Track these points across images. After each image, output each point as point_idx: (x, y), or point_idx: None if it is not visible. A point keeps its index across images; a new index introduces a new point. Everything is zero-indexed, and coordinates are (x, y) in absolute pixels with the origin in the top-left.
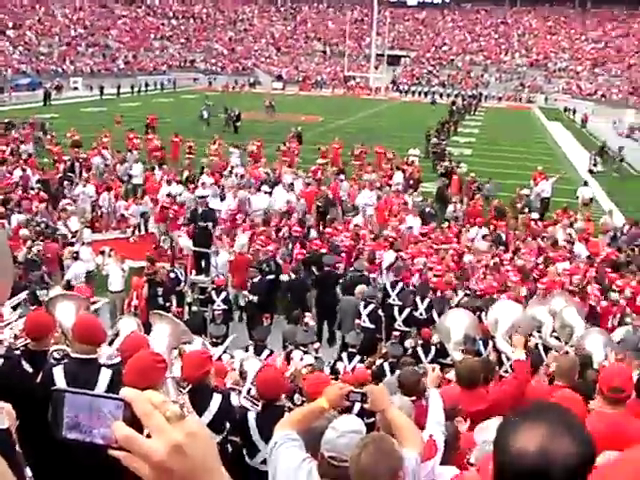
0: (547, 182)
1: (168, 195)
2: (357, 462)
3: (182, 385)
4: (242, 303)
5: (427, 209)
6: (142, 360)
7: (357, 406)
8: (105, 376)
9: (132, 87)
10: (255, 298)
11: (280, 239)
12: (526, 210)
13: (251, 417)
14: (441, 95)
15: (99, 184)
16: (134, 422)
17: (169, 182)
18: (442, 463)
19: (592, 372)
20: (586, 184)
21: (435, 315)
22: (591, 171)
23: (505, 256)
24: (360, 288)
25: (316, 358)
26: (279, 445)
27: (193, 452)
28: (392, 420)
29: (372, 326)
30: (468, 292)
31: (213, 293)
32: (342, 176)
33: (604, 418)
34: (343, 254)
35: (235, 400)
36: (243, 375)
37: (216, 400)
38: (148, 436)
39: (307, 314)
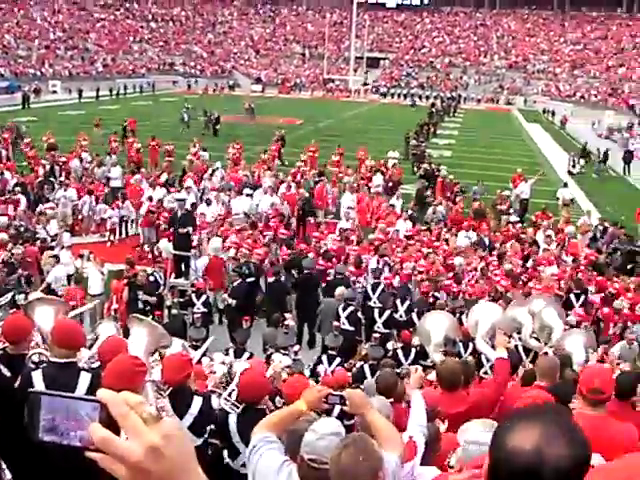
0: (526, 184)
1: (150, 199)
2: (337, 462)
3: (162, 388)
4: (220, 306)
5: (408, 212)
6: (121, 364)
7: (337, 409)
8: (84, 380)
9: (111, 90)
10: (234, 302)
11: (268, 242)
12: (512, 211)
13: (232, 420)
14: (420, 97)
15: (80, 187)
16: (110, 423)
17: (153, 186)
18: (423, 464)
19: (571, 372)
20: (566, 185)
21: (415, 317)
22: (570, 172)
23: (490, 259)
24: (340, 290)
25: (295, 360)
26: (258, 448)
27: (170, 453)
28: (372, 423)
29: (351, 328)
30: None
31: (193, 296)
32: (324, 179)
33: (584, 419)
34: (334, 259)
35: (215, 403)
36: (232, 376)
37: (197, 403)
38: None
39: (288, 315)
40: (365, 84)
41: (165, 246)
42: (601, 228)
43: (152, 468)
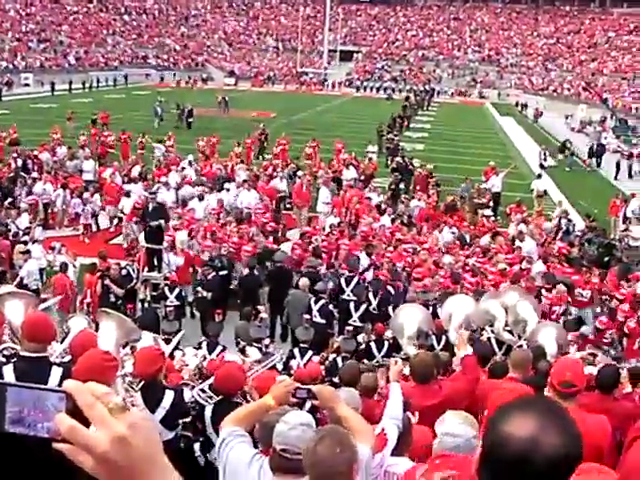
0: (497, 177)
1: (127, 194)
2: (314, 454)
3: (134, 382)
4: (190, 299)
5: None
6: (92, 359)
7: (308, 403)
8: (56, 374)
9: (84, 83)
10: (209, 295)
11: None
12: (492, 204)
13: (207, 412)
14: (394, 90)
15: (52, 180)
16: (77, 414)
17: (130, 180)
18: (395, 455)
19: (545, 364)
20: (540, 177)
21: (391, 311)
22: (542, 165)
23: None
24: (303, 281)
25: (266, 354)
26: (228, 442)
27: (136, 443)
28: (342, 416)
29: (323, 321)
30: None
31: (166, 289)
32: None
33: None
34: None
35: (188, 395)
36: (205, 369)
37: (169, 396)
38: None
39: (261, 308)
40: (325, 80)
41: (182, 239)
42: (565, 221)
43: (118, 458)
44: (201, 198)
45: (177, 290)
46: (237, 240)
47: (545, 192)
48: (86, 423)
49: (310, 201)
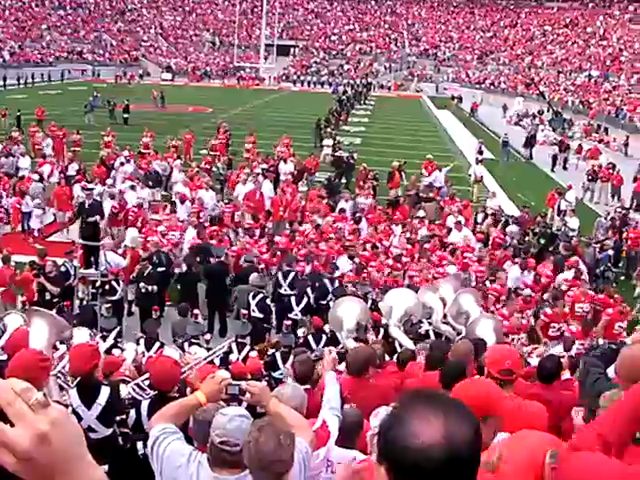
0: (440, 172)
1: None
2: (256, 445)
3: (69, 379)
4: (130, 297)
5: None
6: (25, 358)
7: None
8: None
9: (18, 79)
10: (155, 288)
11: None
12: (439, 198)
13: (144, 407)
14: (330, 84)
15: None
16: None
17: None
18: (345, 447)
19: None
20: (478, 163)
21: (332, 304)
22: (477, 159)
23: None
24: (253, 277)
25: (208, 349)
26: (161, 440)
27: (58, 440)
28: (275, 412)
29: (261, 315)
30: None
31: (114, 283)
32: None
33: None
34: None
35: (124, 391)
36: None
37: (104, 393)
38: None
39: (196, 311)
40: (260, 78)
41: (132, 236)
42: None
43: (40, 456)
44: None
45: (122, 284)
46: (216, 243)
47: (482, 177)
48: (5, 420)
49: (263, 208)
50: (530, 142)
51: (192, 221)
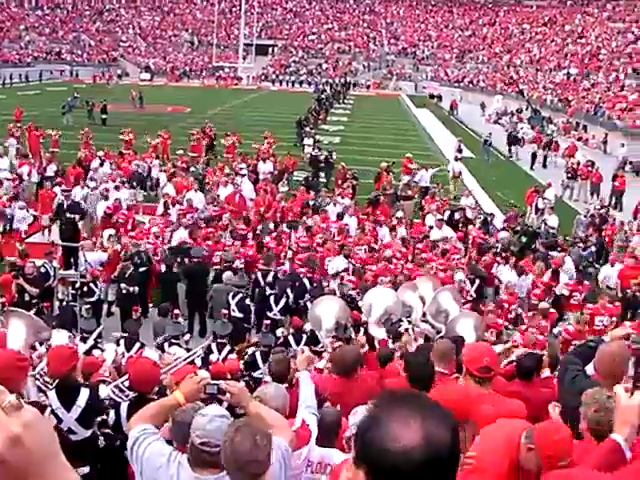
0: (426, 172)
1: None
2: (232, 445)
3: (48, 381)
4: (110, 298)
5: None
6: (2, 359)
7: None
8: None
9: None
10: (136, 289)
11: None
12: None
13: (123, 409)
14: (309, 83)
15: None
16: None
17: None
18: (326, 447)
19: None
20: (457, 159)
21: (307, 303)
22: (456, 158)
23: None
24: (227, 275)
25: (187, 350)
26: (141, 440)
27: (31, 443)
28: (254, 412)
29: (241, 315)
30: None
31: (92, 285)
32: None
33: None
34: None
35: (104, 392)
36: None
37: (84, 395)
38: None
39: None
40: (238, 78)
41: (109, 234)
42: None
43: (13, 458)
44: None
45: (101, 285)
46: (212, 244)
47: (461, 173)
48: None
49: (245, 210)
50: (511, 140)
51: (183, 222)
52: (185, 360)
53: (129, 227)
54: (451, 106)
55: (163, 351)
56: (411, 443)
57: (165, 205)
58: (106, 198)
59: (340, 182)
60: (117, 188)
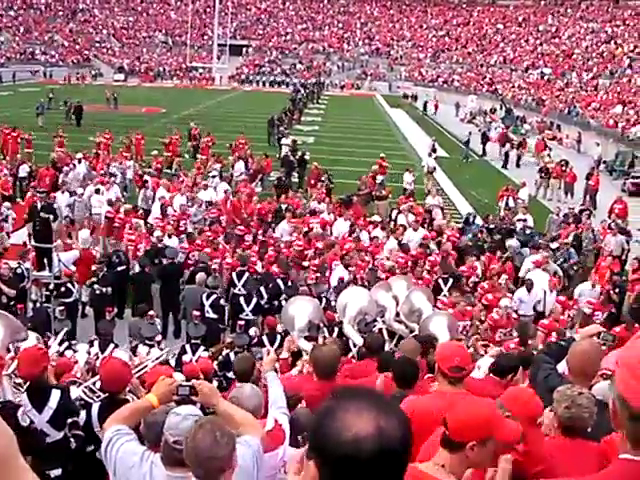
0: (410, 174)
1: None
2: (193, 440)
3: (21, 383)
4: (85, 299)
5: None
6: None
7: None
8: None
9: None
10: (109, 290)
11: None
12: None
13: (94, 410)
14: (282, 83)
15: None
16: None
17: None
18: (298, 447)
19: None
20: (430, 155)
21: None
22: (430, 156)
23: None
24: (200, 276)
25: (160, 350)
26: (114, 441)
27: None
28: (224, 412)
29: (215, 316)
30: None
31: (70, 285)
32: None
33: (443, 398)
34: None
35: (75, 393)
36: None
37: (55, 396)
38: None
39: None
40: (212, 78)
41: (84, 237)
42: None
43: None
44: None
45: (77, 285)
46: (210, 251)
47: (435, 169)
48: None
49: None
50: (485, 140)
51: (180, 231)
52: (155, 361)
53: (129, 231)
54: (424, 105)
55: (135, 353)
56: (362, 432)
57: (162, 208)
58: (110, 204)
59: (313, 182)
60: (97, 191)
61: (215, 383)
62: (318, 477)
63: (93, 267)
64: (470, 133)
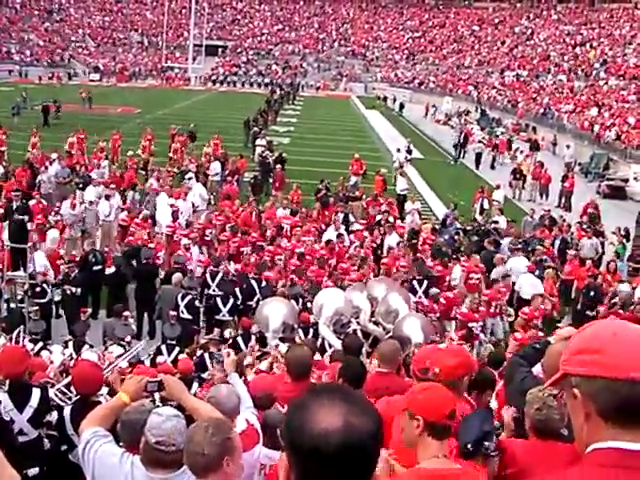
0: (402, 178)
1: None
2: (188, 434)
3: (2, 382)
4: (57, 298)
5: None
6: None
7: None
8: None
9: None
10: (79, 291)
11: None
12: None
13: (66, 412)
14: (260, 85)
15: None
16: None
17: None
18: (273, 448)
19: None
20: (399, 151)
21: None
22: (406, 158)
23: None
24: (177, 276)
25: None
26: (92, 443)
27: None
28: (191, 407)
29: (190, 317)
30: None
31: (45, 286)
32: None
33: None
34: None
35: (50, 394)
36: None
37: (36, 395)
38: None
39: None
40: (187, 79)
41: (52, 237)
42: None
43: None
44: (107, 198)
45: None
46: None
47: (406, 162)
48: None
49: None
50: (462, 142)
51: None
52: (125, 358)
53: (145, 237)
54: (400, 107)
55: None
56: (332, 426)
57: (174, 215)
58: (129, 211)
59: (278, 185)
60: (107, 197)
61: (195, 385)
62: (289, 468)
63: (64, 268)
64: (460, 134)
